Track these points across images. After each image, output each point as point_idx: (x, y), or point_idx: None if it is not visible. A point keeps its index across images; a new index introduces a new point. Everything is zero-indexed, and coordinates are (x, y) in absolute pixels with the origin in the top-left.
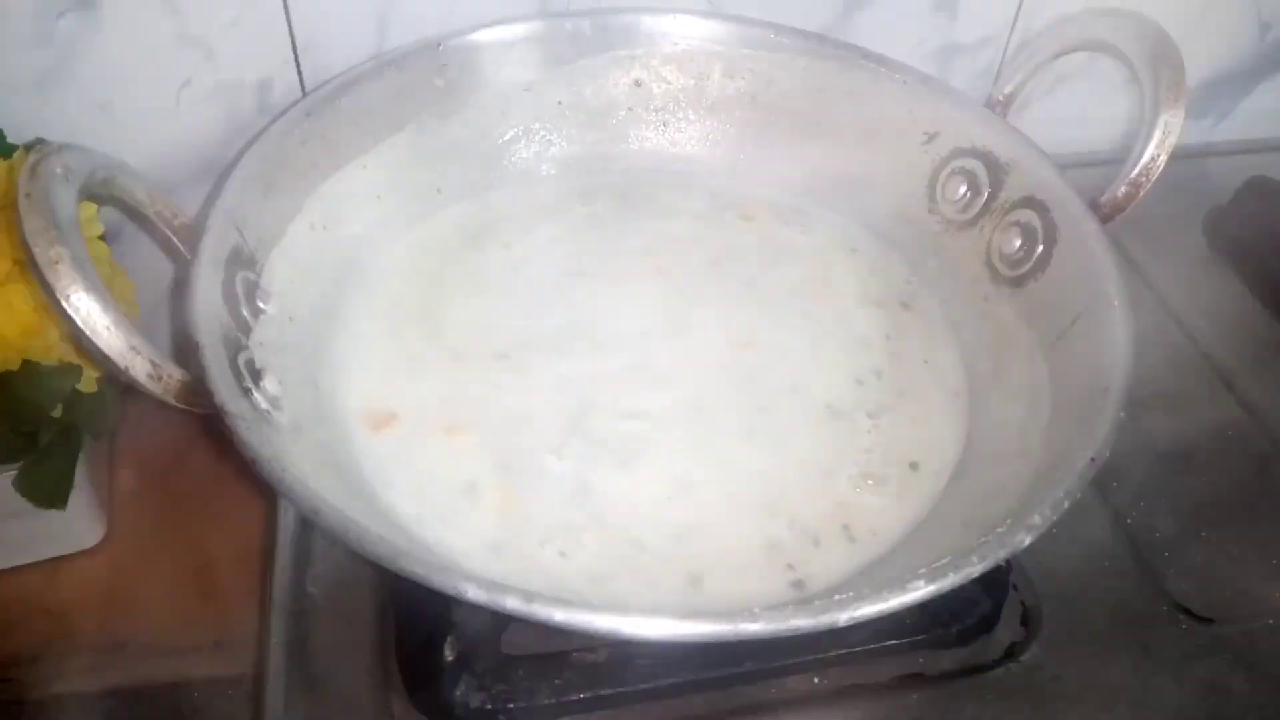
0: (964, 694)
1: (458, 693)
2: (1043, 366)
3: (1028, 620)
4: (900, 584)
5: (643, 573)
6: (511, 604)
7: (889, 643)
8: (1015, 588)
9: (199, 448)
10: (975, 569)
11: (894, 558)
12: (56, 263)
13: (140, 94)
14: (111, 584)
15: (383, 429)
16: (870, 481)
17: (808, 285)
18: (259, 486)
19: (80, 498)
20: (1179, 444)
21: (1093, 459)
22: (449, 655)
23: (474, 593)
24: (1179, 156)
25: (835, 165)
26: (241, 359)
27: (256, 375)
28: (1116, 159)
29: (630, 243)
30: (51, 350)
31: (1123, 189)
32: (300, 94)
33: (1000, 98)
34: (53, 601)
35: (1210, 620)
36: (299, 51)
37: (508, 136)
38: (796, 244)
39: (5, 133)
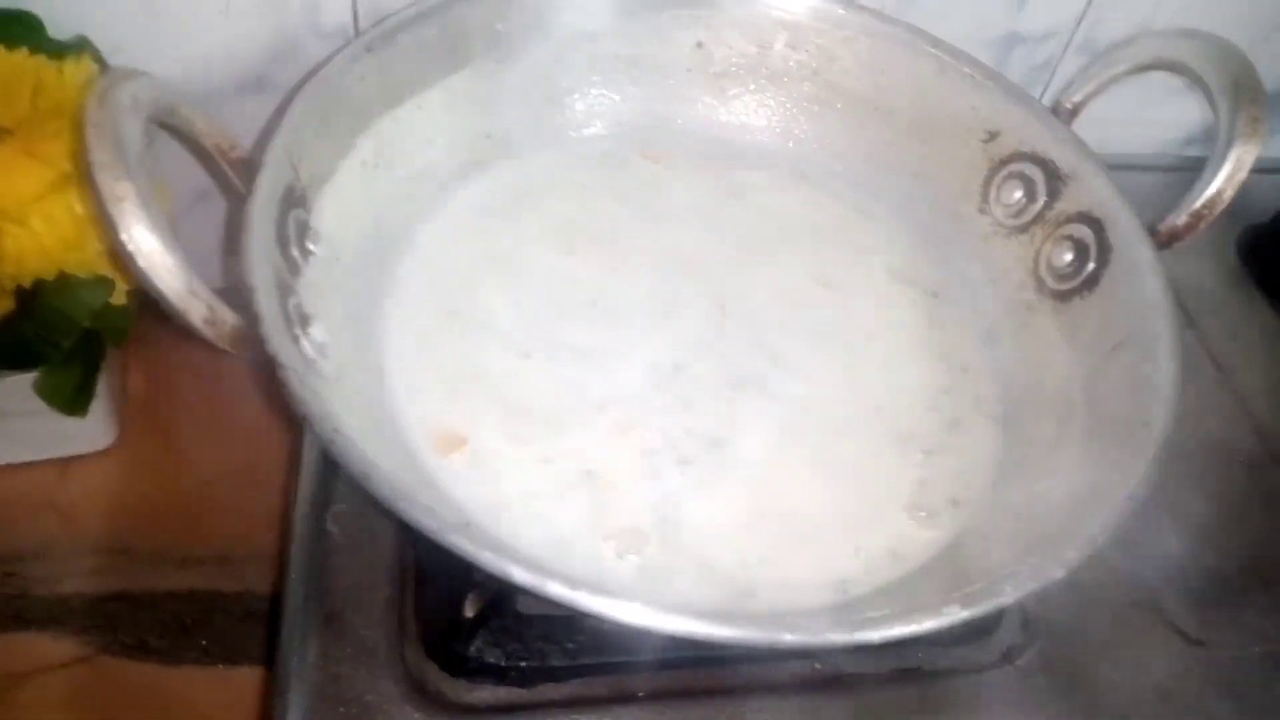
0: (960, 692)
1: (472, 647)
2: (1079, 386)
3: (1028, 625)
4: (936, 609)
5: (701, 583)
6: (555, 590)
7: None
8: None
9: (217, 359)
10: (1008, 598)
11: (927, 572)
12: (122, 199)
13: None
14: (120, 488)
15: (452, 452)
16: (922, 513)
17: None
18: (278, 408)
19: (96, 400)
20: (1190, 465)
21: (1130, 496)
22: (469, 612)
23: (520, 575)
24: None
25: (889, 151)
26: (291, 304)
27: (305, 321)
28: (1160, 165)
29: (687, 214)
30: (88, 263)
31: (1183, 219)
32: (352, 16)
33: (1069, 105)
34: (61, 500)
35: (1201, 643)
36: None
37: (563, 86)
38: (856, 239)
39: (48, 27)
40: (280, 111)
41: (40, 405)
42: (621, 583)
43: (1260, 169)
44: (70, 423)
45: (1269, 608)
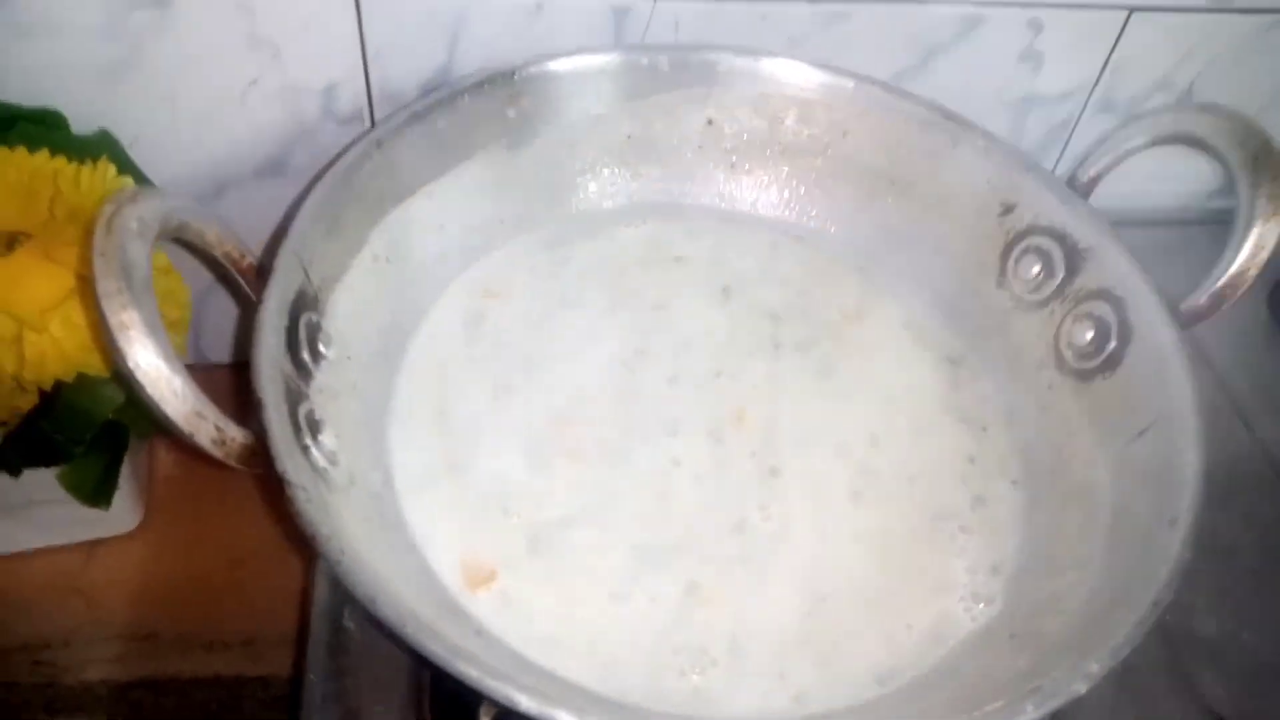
0: None
1: None
2: (1104, 472)
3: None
4: None
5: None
6: (562, 717)
7: None
8: None
9: None
10: (1029, 717)
11: (944, 672)
12: (128, 328)
13: (206, 89)
14: (146, 571)
15: (481, 588)
16: (962, 595)
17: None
18: None
19: (120, 484)
20: (1226, 538)
21: (1155, 602)
22: (484, 718)
23: (526, 703)
24: None
25: (904, 225)
26: (302, 411)
27: (316, 427)
28: (1187, 219)
29: (702, 290)
30: (107, 363)
31: (1205, 299)
32: (366, 101)
33: (1085, 179)
34: (87, 585)
35: None
36: (368, 59)
37: (574, 168)
38: (868, 314)
39: (71, 121)
40: (290, 213)
41: (63, 492)
42: (676, 703)
43: None
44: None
45: None
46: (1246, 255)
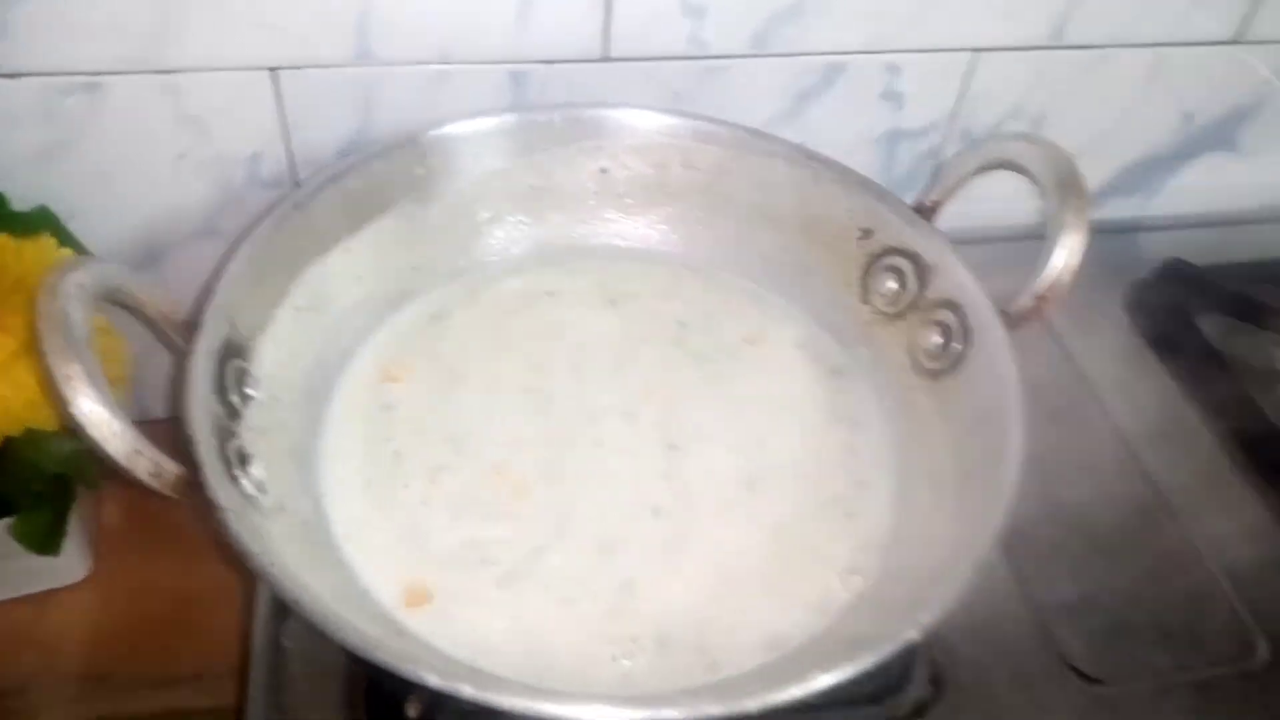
0: None
1: None
2: (950, 461)
3: (935, 679)
4: (801, 676)
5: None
6: (467, 691)
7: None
8: (927, 648)
9: None
10: (866, 663)
11: (824, 637)
12: (71, 379)
13: (139, 165)
14: (97, 617)
15: (418, 606)
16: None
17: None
18: None
19: (69, 535)
20: (1085, 515)
21: (977, 563)
22: (411, 714)
23: (435, 681)
24: (1108, 230)
25: (781, 253)
26: (231, 447)
27: (245, 460)
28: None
29: (604, 327)
30: (53, 419)
31: (1029, 301)
32: (288, 166)
33: (929, 203)
34: (40, 635)
35: (1100, 681)
36: (288, 129)
37: (482, 218)
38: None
39: (9, 200)
40: (217, 273)
41: (15, 546)
42: (609, 686)
43: (1146, 228)
44: (45, 559)
45: (1160, 643)
46: (1061, 262)
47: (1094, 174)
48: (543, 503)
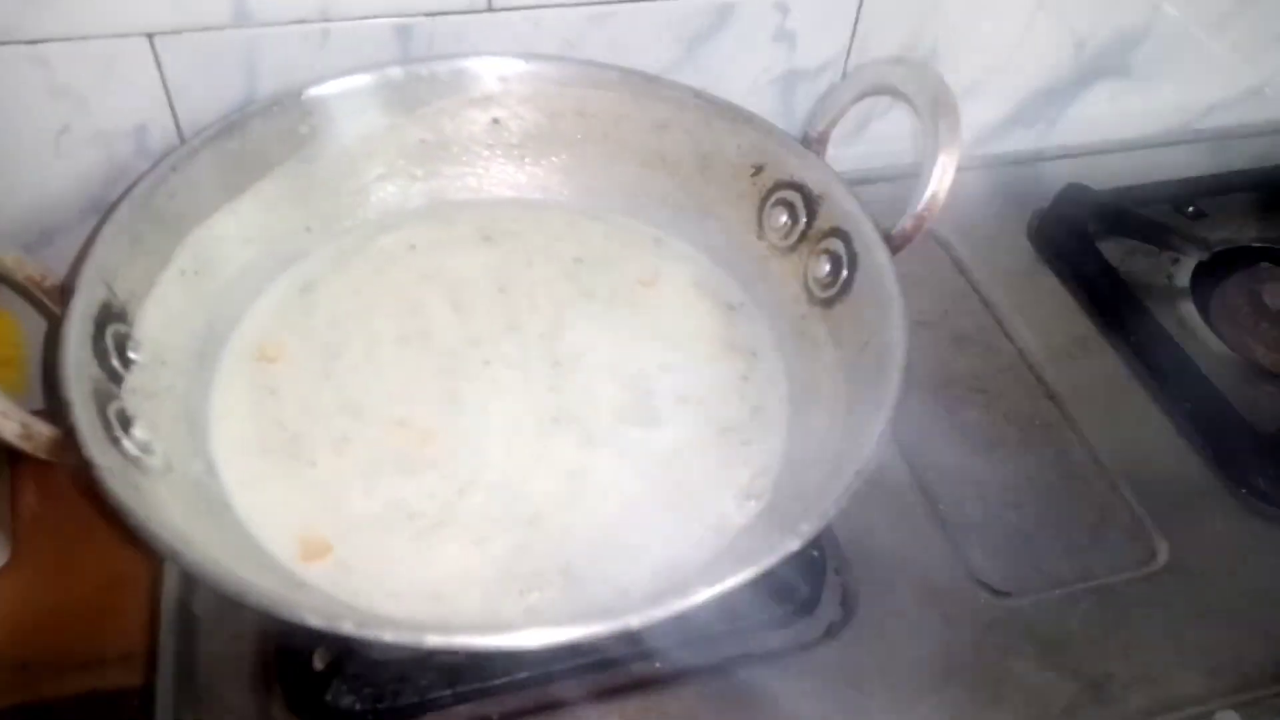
0: (789, 671)
1: (328, 696)
2: (843, 383)
3: (846, 601)
4: (682, 591)
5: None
6: (347, 628)
7: (720, 628)
8: (837, 572)
9: None
10: (748, 574)
11: (723, 558)
12: None
13: (18, 142)
14: (17, 604)
15: (316, 560)
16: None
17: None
18: None
19: None
20: (991, 434)
21: (858, 472)
22: (318, 664)
23: (314, 620)
24: (1010, 163)
25: (679, 194)
26: (112, 409)
27: (126, 423)
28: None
29: (483, 260)
30: None
31: (909, 222)
32: (177, 136)
33: (814, 134)
34: None
35: (1007, 594)
36: (172, 97)
37: (374, 175)
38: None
39: None
40: (91, 236)
41: None
42: (512, 619)
43: (1046, 158)
44: None
45: (1064, 554)
46: (935, 179)
47: (993, 108)
48: (452, 444)
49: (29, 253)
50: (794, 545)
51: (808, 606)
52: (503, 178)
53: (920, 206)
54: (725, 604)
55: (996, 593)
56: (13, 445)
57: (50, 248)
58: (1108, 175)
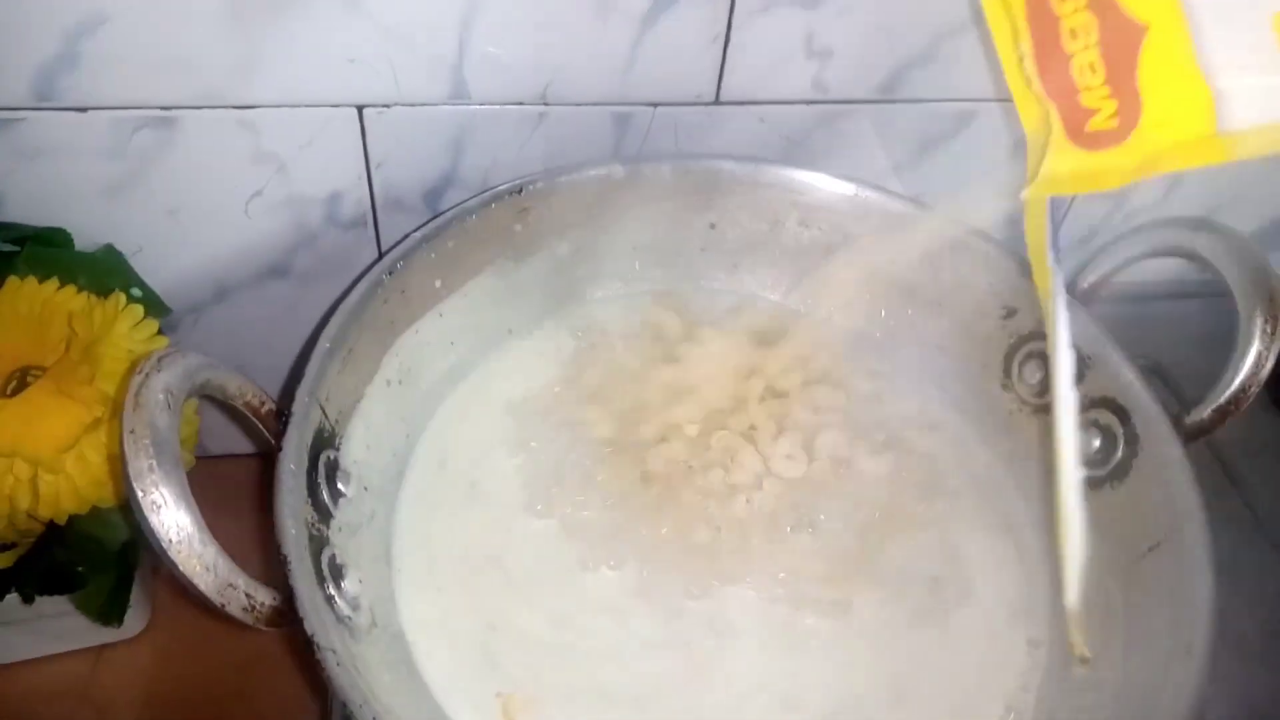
0: None
1: None
2: (1116, 589)
3: None
4: None
5: None
6: None
7: None
8: None
9: None
10: None
11: None
12: (159, 506)
13: (210, 202)
14: (152, 676)
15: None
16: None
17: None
18: None
19: None
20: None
21: None
22: None
23: None
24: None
25: (910, 325)
26: (325, 557)
27: (338, 574)
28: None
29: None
30: (117, 495)
31: (1209, 413)
32: (370, 207)
33: (1084, 287)
34: (95, 691)
35: None
36: (371, 168)
37: (580, 275)
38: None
39: (75, 237)
40: (305, 351)
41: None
42: None
43: None
44: None
45: None
46: (1247, 373)
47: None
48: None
49: (202, 309)
50: None
51: None
52: (713, 284)
53: (1224, 398)
54: None
55: None
56: (235, 619)
57: (222, 304)
58: None
